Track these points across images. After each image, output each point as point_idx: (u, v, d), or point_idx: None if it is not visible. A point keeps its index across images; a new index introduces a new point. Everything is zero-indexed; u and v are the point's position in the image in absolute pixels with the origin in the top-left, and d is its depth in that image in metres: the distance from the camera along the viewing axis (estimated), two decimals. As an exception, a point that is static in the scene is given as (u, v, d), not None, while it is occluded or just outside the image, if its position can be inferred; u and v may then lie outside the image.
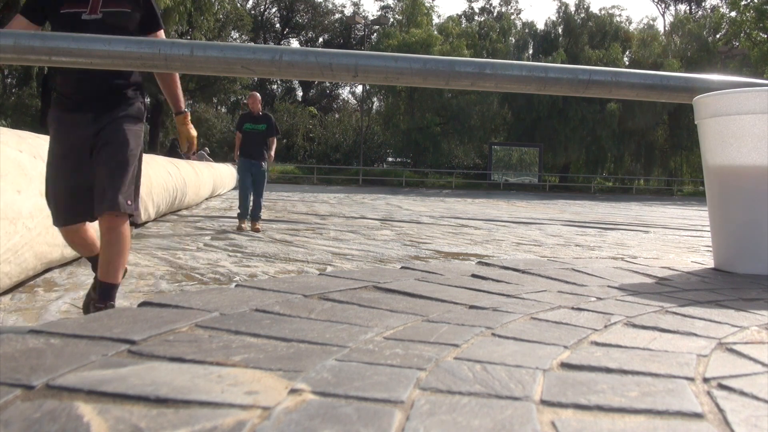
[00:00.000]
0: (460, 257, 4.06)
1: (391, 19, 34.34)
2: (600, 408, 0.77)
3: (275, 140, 5.98)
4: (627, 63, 31.19)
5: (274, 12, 43.12)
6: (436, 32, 31.26)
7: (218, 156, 24.14)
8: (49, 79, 19.82)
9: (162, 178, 6.18)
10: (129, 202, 2.00)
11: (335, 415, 0.71)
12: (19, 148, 2.60)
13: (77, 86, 2.18)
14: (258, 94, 6.04)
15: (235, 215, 6.80)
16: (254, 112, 5.84)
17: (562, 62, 26.86)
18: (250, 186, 5.79)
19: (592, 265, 2.20)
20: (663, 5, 42.01)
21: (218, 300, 1.33)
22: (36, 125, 18.78)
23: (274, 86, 41.34)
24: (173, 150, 13.87)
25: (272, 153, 5.97)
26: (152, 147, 25.49)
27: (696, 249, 4.83)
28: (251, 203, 5.80)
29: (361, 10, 42.62)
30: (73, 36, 2.80)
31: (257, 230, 5.60)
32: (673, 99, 3.16)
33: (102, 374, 0.82)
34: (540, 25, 34.36)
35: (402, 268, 1.97)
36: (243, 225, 5.74)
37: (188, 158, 12.87)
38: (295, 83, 40.64)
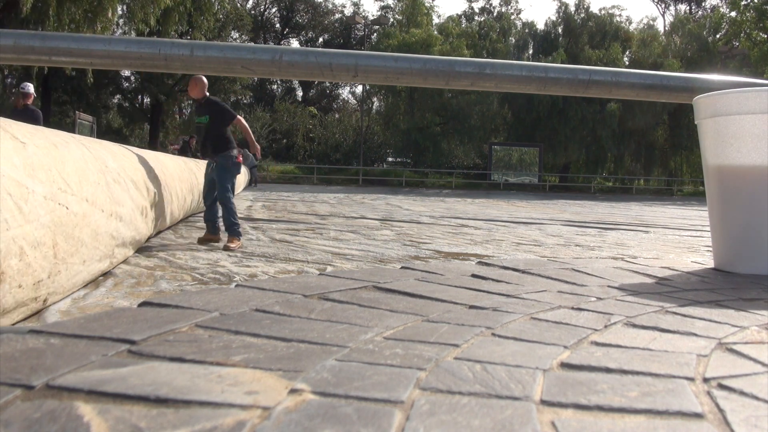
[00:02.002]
0: (460, 257, 4.06)
1: (391, 19, 34.33)
2: (600, 408, 0.77)
3: (242, 121, 4.54)
4: (627, 63, 31.17)
5: (274, 12, 43.14)
6: (436, 32, 31.25)
7: None
8: (49, 79, 19.84)
9: (182, 195, 5.88)
10: None
11: (335, 415, 0.71)
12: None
13: None
14: (200, 78, 4.40)
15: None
16: (197, 100, 4.49)
17: (562, 62, 26.85)
18: (211, 187, 4.48)
19: (592, 265, 2.20)
20: (663, 5, 42.04)
21: (218, 300, 1.33)
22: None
23: (274, 86, 41.34)
24: (184, 149, 14.06)
25: (251, 138, 4.62)
26: (152, 146, 25.53)
27: (696, 249, 4.83)
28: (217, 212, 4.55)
29: (361, 10, 42.61)
30: (73, 36, 2.81)
31: (228, 248, 4.14)
32: (673, 99, 3.17)
33: (102, 374, 0.82)
34: (540, 25, 34.34)
35: (402, 268, 1.97)
36: (207, 237, 4.42)
37: (197, 157, 12.99)
38: (295, 83, 40.62)
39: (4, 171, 1.67)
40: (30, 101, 7.26)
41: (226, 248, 4.16)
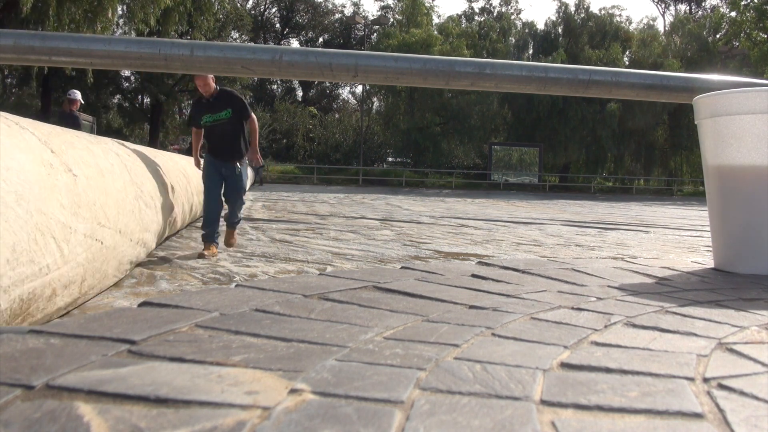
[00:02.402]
0: (460, 257, 4.06)
1: (391, 19, 34.32)
2: (600, 408, 0.77)
3: (255, 122, 4.10)
4: (627, 63, 31.16)
5: (274, 12, 43.12)
6: (436, 32, 31.24)
7: None
8: (50, 79, 19.82)
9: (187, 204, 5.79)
10: None
11: (335, 415, 0.71)
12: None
13: None
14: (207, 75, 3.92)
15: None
16: (208, 96, 3.92)
17: (562, 62, 26.84)
18: (220, 194, 4.03)
19: (592, 265, 2.20)
20: (663, 5, 42.05)
21: (218, 300, 1.33)
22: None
23: (274, 86, 41.33)
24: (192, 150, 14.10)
25: (256, 144, 4.15)
26: (152, 146, 25.48)
27: (696, 249, 4.83)
28: (225, 211, 4.17)
29: (361, 10, 42.60)
30: (73, 36, 2.81)
31: (232, 244, 4.04)
32: (673, 99, 3.16)
33: (102, 374, 0.82)
34: (540, 25, 34.33)
35: (402, 268, 1.97)
36: (207, 251, 3.83)
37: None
38: (295, 83, 40.62)
39: (52, 214, 1.68)
40: (76, 107, 7.77)
41: (229, 244, 4.05)
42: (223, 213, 4.17)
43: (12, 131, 1.70)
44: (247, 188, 4.27)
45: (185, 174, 4.93)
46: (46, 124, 2.25)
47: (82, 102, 8.11)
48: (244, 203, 4.23)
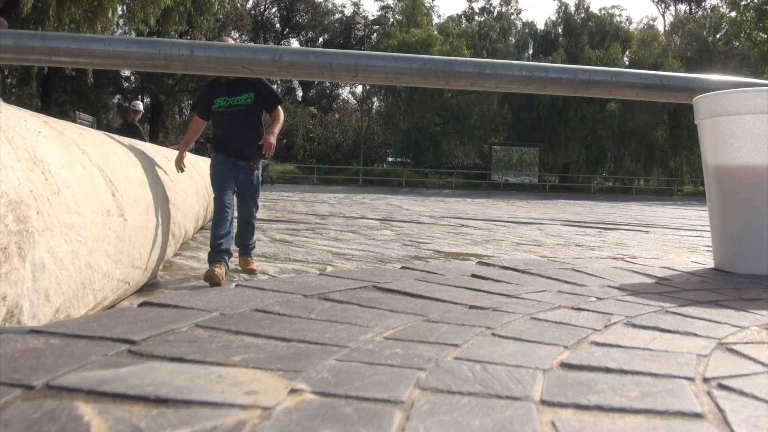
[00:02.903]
0: (460, 257, 4.06)
1: (391, 19, 34.33)
2: (600, 408, 0.77)
3: (281, 114, 3.38)
4: (627, 63, 31.17)
5: (274, 12, 43.12)
6: (436, 32, 31.25)
7: None
8: (49, 79, 19.83)
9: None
10: None
11: (335, 415, 0.71)
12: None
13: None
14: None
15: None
16: (227, 77, 3.18)
17: (562, 62, 26.84)
18: (232, 202, 3.20)
19: (592, 265, 2.19)
20: (663, 5, 42.05)
21: (218, 300, 1.33)
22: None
23: (274, 86, 41.28)
24: (202, 151, 14.17)
25: (274, 136, 3.22)
26: (152, 147, 25.44)
27: (696, 249, 4.83)
28: (235, 229, 3.30)
29: (361, 10, 42.60)
30: (73, 36, 2.81)
31: (253, 270, 3.26)
32: (673, 99, 3.17)
33: (102, 374, 0.82)
34: (540, 25, 34.35)
35: (402, 268, 1.97)
36: (217, 271, 2.92)
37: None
38: (295, 83, 40.62)
39: (97, 265, 1.66)
40: (138, 117, 8.20)
41: (249, 270, 3.26)
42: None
43: (86, 174, 1.66)
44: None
45: (209, 191, 4.99)
46: (115, 144, 2.18)
47: (139, 111, 8.44)
48: (255, 223, 3.41)
